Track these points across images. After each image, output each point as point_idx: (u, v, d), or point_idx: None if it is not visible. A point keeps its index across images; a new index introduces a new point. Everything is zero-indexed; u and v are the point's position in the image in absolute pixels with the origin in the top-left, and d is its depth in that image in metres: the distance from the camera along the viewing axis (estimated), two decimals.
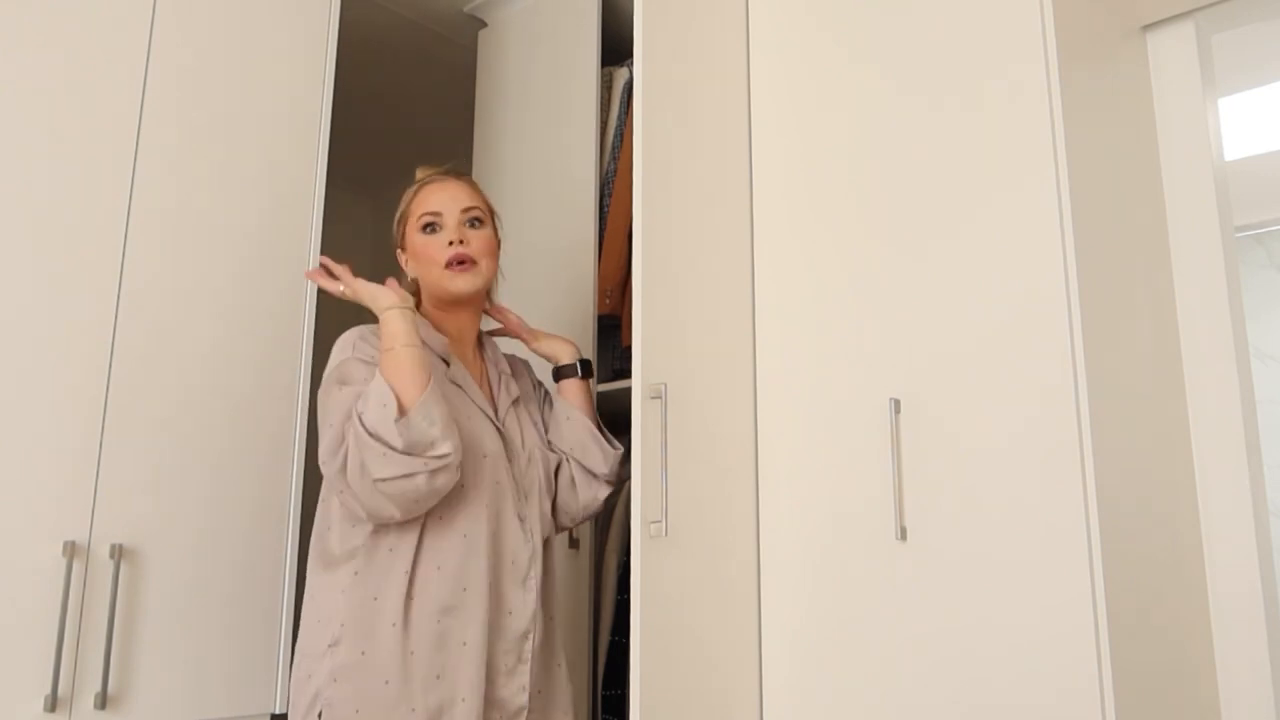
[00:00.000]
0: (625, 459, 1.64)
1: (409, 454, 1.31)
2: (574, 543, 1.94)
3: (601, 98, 2.13)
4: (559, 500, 1.60)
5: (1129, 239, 1.54)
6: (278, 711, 1.72)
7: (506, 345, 1.77)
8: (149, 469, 1.62)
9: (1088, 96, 1.46)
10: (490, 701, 1.42)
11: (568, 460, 1.61)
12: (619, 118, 2.11)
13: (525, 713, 1.45)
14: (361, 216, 3.30)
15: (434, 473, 1.33)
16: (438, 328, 1.56)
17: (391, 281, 1.48)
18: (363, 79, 2.80)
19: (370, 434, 1.31)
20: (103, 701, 1.51)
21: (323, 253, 1.76)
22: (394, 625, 1.37)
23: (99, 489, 1.57)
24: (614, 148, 2.10)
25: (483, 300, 1.62)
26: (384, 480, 1.31)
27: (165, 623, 1.61)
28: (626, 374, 1.91)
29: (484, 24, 2.48)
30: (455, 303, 1.57)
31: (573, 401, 1.63)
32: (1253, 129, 2.88)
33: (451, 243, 1.53)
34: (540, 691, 1.50)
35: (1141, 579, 1.35)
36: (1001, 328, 1.37)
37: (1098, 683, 1.21)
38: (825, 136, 1.63)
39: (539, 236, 2.16)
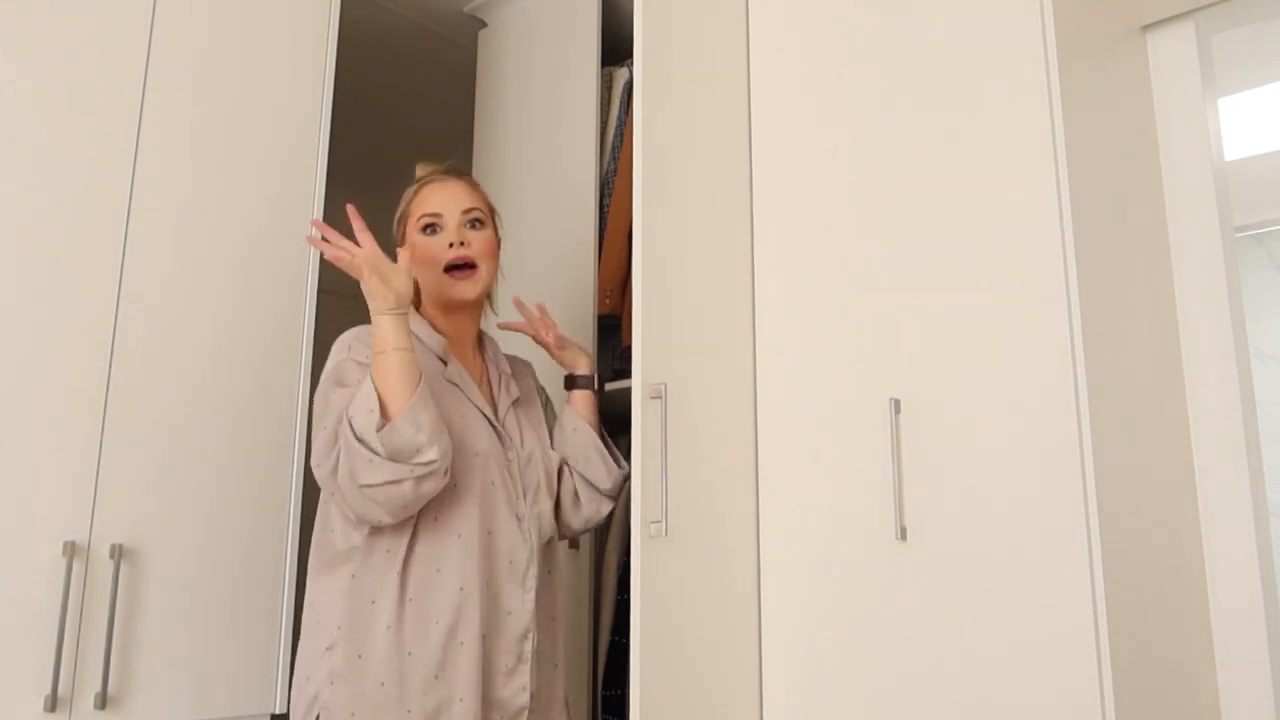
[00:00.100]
0: (628, 476, 1.65)
1: (394, 460, 1.31)
2: (574, 543, 1.94)
3: (601, 98, 2.13)
4: (561, 512, 1.60)
5: (1129, 239, 1.54)
6: (278, 711, 1.72)
7: (508, 346, 1.77)
8: (149, 469, 1.62)
9: (1088, 96, 1.45)
10: (490, 702, 1.42)
11: (571, 472, 1.61)
12: (619, 118, 2.11)
13: (526, 712, 1.44)
14: (362, 216, 3.29)
15: (420, 479, 1.33)
16: (436, 328, 1.56)
17: (404, 254, 1.44)
18: (363, 79, 2.80)
19: (358, 439, 1.32)
20: (103, 701, 1.51)
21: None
22: (389, 627, 1.37)
23: (99, 489, 1.57)
24: (614, 148, 2.10)
25: (483, 302, 1.62)
26: (370, 486, 1.31)
27: (165, 623, 1.61)
28: (626, 374, 1.91)
29: (484, 24, 2.48)
30: (454, 306, 1.57)
31: (581, 412, 1.64)
32: (1253, 129, 2.87)
33: (452, 245, 1.53)
34: (541, 691, 1.50)
35: (1141, 579, 1.35)
36: (1001, 328, 1.37)
37: (1098, 682, 1.21)
38: (825, 136, 1.63)
39: (539, 236, 2.16)
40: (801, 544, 1.55)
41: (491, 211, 1.61)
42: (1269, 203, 3.25)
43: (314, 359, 1.81)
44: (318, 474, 1.37)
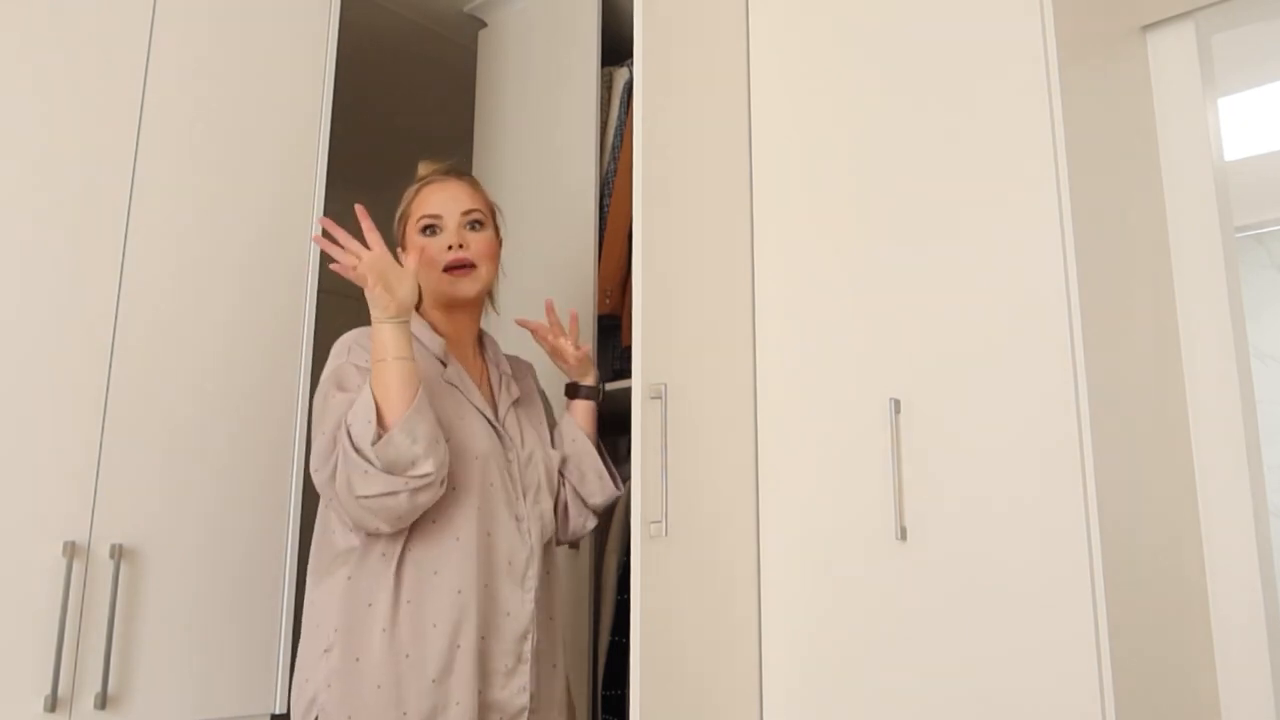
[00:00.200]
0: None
1: (390, 473, 1.31)
2: (574, 544, 1.94)
3: (601, 98, 2.13)
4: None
5: (1129, 239, 1.54)
6: (278, 711, 1.72)
7: (509, 345, 1.77)
8: (149, 469, 1.62)
9: (1088, 96, 1.45)
10: (489, 703, 1.42)
11: (564, 482, 1.61)
12: (619, 118, 2.11)
13: (525, 713, 1.44)
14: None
15: (415, 491, 1.33)
16: (436, 329, 1.56)
17: (411, 259, 1.43)
18: (363, 79, 2.80)
19: (355, 449, 1.32)
20: (103, 701, 1.51)
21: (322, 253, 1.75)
22: (385, 630, 1.37)
23: (99, 489, 1.56)
24: (614, 148, 2.10)
25: (483, 301, 1.62)
26: (366, 497, 1.32)
27: (165, 623, 1.61)
28: (626, 374, 1.91)
29: (484, 24, 2.48)
30: (454, 305, 1.57)
31: (580, 423, 1.64)
32: (1253, 129, 2.87)
33: (451, 247, 1.53)
34: (540, 692, 1.49)
35: (1141, 579, 1.35)
36: (1001, 328, 1.37)
37: (1097, 682, 1.21)
38: (825, 136, 1.63)
39: (539, 236, 2.16)
40: (801, 544, 1.55)
41: (492, 212, 1.61)
42: (1269, 203, 3.25)
43: (314, 359, 1.81)
44: (316, 479, 1.37)
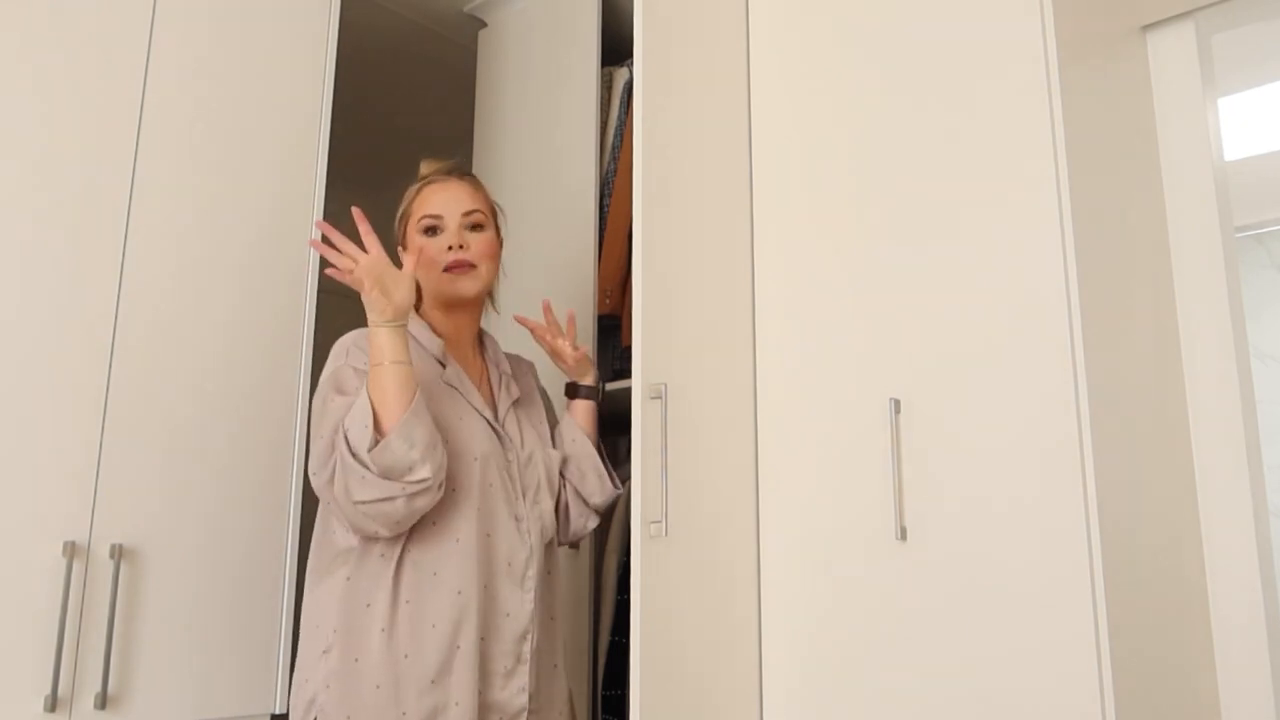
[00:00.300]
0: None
1: (387, 478, 1.31)
2: (573, 544, 1.94)
3: (601, 98, 2.13)
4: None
5: (1129, 239, 1.54)
6: (278, 711, 1.72)
7: (510, 344, 1.77)
8: (149, 469, 1.62)
9: (1088, 96, 1.45)
10: (489, 704, 1.41)
11: (564, 484, 1.61)
12: (619, 118, 2.11)
13: (525, 713, 1.44)
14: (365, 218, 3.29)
15: (412, 497, 1.33)
16: (435, 329, 1.56)
17: (410, 261, 1.43)
18: (363, 79, 2.80)
19: (353, 455, 1.32)
20: (103, 701, 1.51)
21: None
22: (384, 630, 1.37)
23: (99, 489, 1.56)
24: (614, 148, 2.10)
25: (483, 301, 1.62)
26: (362, 502, 1.32)
27: (165, 623, 1.61)
28: (626, 374, 1.91)
29: (484, 24, 2.48)
30: (454, 304, 1.56)
31: (580, 424, 1.63)
32: (1253, 129, 2.87)
33: (451, 247, 1.52)
34: (540, 692, 1.49)
35: (1141, 579, 1.35)
36: (1001, 328, 1.37)
37: (1098, 682, 1.21)
38: (825, 136, 1.63)
39: (539, 236, 2.16)
40: (801, 544, 1.54)
41: (493, 212, 1.61)
42: (1269, 203, 3.25)
43: (314, 359, 1.81)
44: (314, 482, 1.37)
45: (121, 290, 1.64)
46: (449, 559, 1.41)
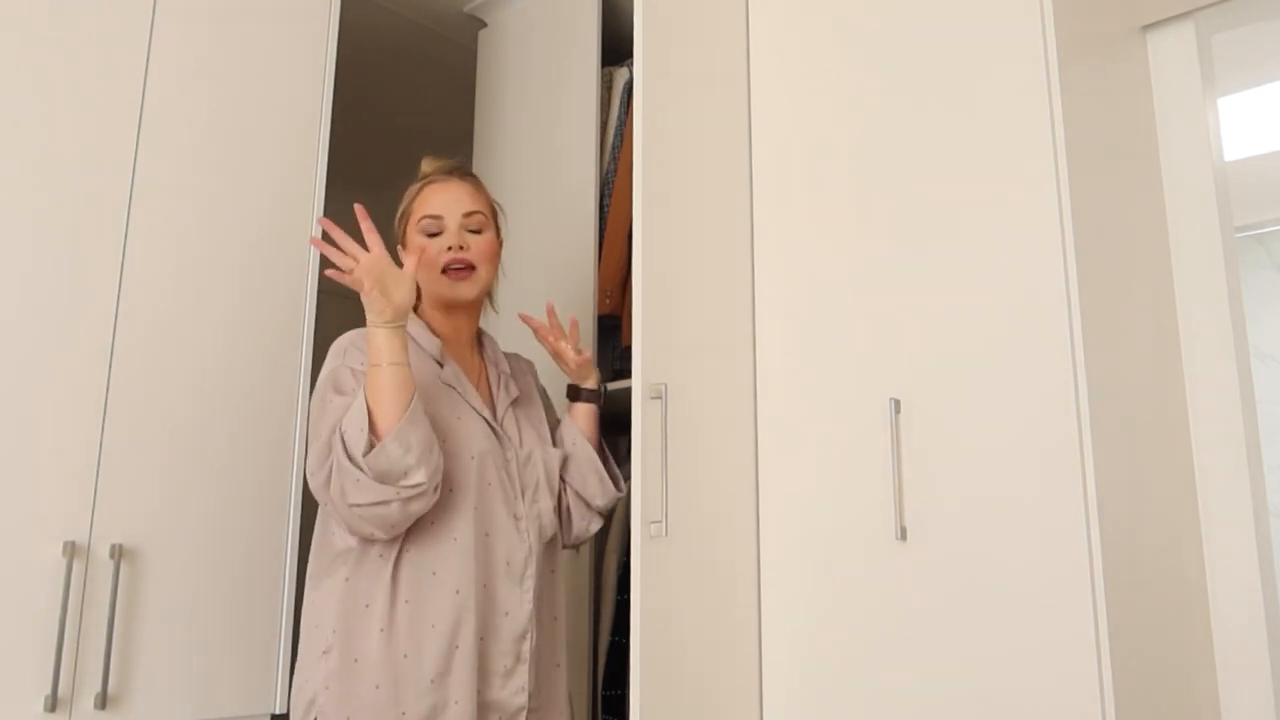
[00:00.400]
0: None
1: (382, 483, 1.31)
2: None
3: (601, 98, 2.13)
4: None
5: (1129, 239, 1.54)
6: (278, 712, 1.72)
7: (510, 344, 1.77)
8: (149, 469, 1.62)
9: (1088, 96, 1.45)
10: (488, 704, 1.41)
11: (565, 487, 1.61)
12: (619, 118, 2.11)
13: (524, 713, 1.44)
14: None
15: (407, 501, 1.33)
16: (434, 329, 1.56)
17: (411, 261, 1.43)
18: (363, 79, 2.80)
19: (349, 458, 1.32)
20: (103, 701, 1.51)
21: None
22: (383, 631, 1.37)
23: (99, 489, 1.56)
24: (614, 148, 2.10)
25: (482, 302, 1.62)
26: (358, 506, 1.32)
27: (165, 623, 1.61)
28: (626, 374, 1.91)
29: (484, 24, 2.48)
30: (453, 305, 1.56)
31: (582, 426, 1.63)
32: (1253, 129, 2.87)
33: (451, 248, 1.52)
34: (540, 691, 1.49)
35: (1141, 579, 1.35)
36: (1001, 328, 1.37)
37: (1097, 682, 1.21)
38: (825, 136, 1.63)
39: (539, 236, 2.16)
40: (801, 544, 1.55)
41: (494, 212, 1.61)
42: (1269, 203, 3.25)
43: (314, 359, 1.80)
44: (312, 483, 1.37)
45: (121, 290, 1.64)
46: (447, 558, 1.41)
